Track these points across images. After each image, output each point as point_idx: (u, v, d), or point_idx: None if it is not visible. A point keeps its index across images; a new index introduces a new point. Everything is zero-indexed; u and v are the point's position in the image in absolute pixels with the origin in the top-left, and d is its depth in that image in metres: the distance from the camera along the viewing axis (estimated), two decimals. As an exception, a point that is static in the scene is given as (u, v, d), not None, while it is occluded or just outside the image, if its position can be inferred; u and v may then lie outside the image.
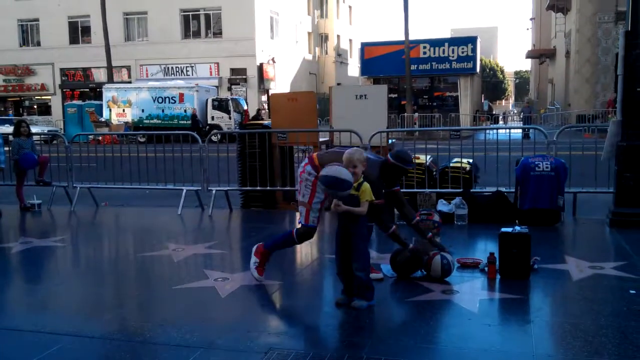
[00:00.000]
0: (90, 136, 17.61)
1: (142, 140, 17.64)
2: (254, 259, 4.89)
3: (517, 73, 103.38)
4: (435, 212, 5.18)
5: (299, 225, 4.76)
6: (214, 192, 8.53)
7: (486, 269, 4.89)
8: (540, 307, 4.23)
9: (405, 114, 30.49)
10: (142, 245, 6.81)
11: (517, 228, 4.88)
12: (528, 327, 3.79)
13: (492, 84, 77.74)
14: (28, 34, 41.08)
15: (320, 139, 8.61)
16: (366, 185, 4.19)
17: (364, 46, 36.24)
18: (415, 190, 7.55)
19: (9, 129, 21.15)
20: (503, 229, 4.88)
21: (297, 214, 7.97)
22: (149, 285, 5.15)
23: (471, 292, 4.51)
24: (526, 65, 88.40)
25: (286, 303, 4.63)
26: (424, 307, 4.24)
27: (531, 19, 59.50)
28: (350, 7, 54.90)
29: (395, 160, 4.56)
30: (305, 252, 6.31)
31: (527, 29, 69.84)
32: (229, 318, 4.17)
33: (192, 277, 5.11)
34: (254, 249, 4.93)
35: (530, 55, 51.59)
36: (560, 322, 3.99)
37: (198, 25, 38.24)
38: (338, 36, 50.94)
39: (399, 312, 4.25)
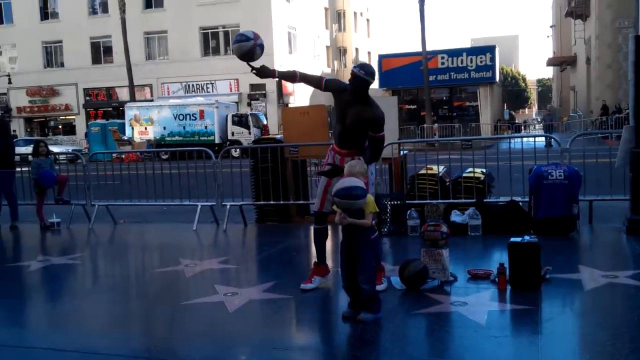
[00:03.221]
0: (113, 154, 17.94)
1: (165, 157, 17.85)
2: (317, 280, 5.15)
3: (539, 81, 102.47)
4: (443, 223, 5.13)
5: None
6: (228, 207, 8.58)
7: (496, 279, 4.83)
8: (550, 317, 4.15)
9: (425, 124, 30.42)
10: (156, 262, 6.87)
11: (527, 238, 4.83)
12: (535, 339, 3.73)
13: (514, 92, 77.19)
14: (52, 55, 42.06)
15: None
16: (370, 197, 4.20)
17: (382, 58, 36.27)
18: (426, 201, 7.50)
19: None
20: (512, 239, 4.83)
21: (311, 227, 8.01)
22: (158, 301, 5.18)
23: (480, 304, 4.44)
24: (548, 72, 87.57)
25: (292, 317, 4.63)
26: (430, 320, 4.20)
27: (551, 27, 59.12)
28: (367, 20, 55.12)
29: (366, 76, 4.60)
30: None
31: (548, 37, 69.29)
32: (235, 333, 4.17)
33: (202, 292, 5.14)
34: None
35: (551, 62, 51.25)
36: (569, 333, 3.93)
37: (217, 42, 38.73)
38: (356, 49, 51.15)
39: (406, 325, 4.21)
